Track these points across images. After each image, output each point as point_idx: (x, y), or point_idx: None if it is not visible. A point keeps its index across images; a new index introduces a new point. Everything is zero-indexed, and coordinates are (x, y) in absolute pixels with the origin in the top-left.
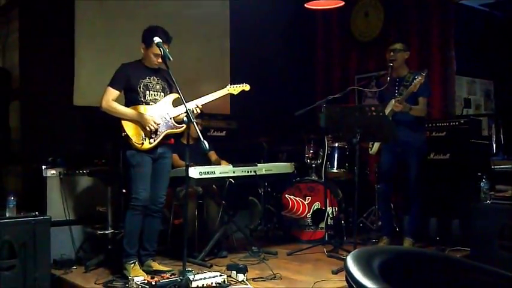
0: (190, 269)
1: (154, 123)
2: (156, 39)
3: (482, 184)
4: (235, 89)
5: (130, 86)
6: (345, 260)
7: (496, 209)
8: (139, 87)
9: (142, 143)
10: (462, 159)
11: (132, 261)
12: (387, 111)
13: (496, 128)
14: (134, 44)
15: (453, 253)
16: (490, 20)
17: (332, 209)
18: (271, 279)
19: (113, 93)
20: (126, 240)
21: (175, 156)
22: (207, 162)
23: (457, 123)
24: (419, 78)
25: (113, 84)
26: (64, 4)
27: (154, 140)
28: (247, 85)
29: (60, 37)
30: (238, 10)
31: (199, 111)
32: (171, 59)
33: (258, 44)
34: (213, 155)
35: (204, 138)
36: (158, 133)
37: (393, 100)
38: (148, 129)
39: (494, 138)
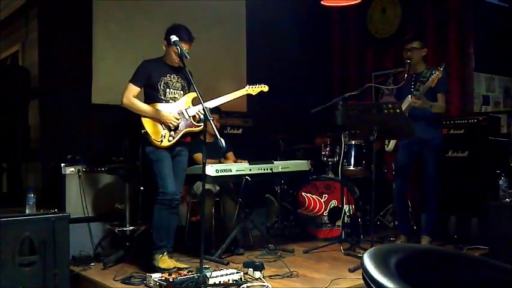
0: (207, 266)
1: (176, 118)
2: (173, 38)
3: (501, 182)
4: (254, 89)
5: (151, 83)
6: (361, 258)
7: None
8: (160, 85)
9: (162, 141)
10: (481, 156)
11: (160, 252)
12: (404, 107)
13: None
14: (152, 42)
15: (471, 251)
16: (510, 16)
17: (349, 207)
18: (287, 276)
19: (133, 89)
20: (155, 234)
21: (199, 155)
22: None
23: (475, 120)
24: (437, 72)
25: (134, 80)
26: (82, 3)
27: (173, 138)
28: (265, 86)
29: (79, 36)
30: (254, 9)
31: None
32: (188, 57)
33: (274, 42)
34: (231, 156)
35: (220, 137)
36: (177, 131)
37: (409, 96)
38: (171, 125)
39: None
